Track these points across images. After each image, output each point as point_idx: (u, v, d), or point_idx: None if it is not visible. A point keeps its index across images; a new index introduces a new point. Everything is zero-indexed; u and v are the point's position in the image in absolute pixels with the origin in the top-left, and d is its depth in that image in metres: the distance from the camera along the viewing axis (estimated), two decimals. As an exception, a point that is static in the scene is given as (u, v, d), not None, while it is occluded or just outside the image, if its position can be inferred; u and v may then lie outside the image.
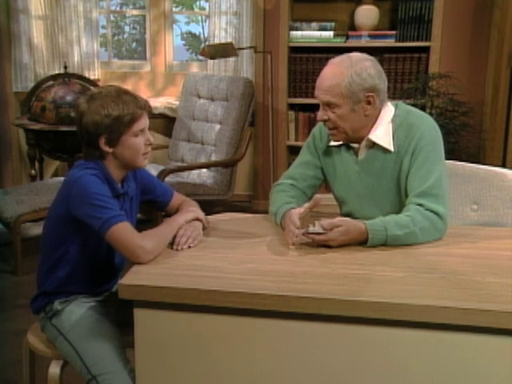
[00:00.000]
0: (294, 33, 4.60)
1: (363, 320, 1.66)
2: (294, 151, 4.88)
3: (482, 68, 4.38)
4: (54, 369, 2.08)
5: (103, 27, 5.40)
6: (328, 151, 2.26)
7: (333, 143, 2.23)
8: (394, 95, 4.32)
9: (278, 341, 1.74)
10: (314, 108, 4.65)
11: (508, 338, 1.61)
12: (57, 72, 4.89)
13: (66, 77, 4.71)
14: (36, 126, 4.44)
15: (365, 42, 4.52)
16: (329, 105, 2.08)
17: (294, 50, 4.67)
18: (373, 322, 1.66)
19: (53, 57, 4.98)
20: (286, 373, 1.76)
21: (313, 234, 1.95)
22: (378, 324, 1.66)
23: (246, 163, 4.86)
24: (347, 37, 4.57)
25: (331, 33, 4.55)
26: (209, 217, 2.22)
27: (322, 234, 1.94)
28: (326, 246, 1.96)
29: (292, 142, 4.80)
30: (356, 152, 2.20)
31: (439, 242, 2.03)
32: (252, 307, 1.70)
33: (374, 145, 2.15)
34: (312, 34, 4.58)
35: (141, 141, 2.01)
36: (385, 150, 2.14)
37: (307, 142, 2.34)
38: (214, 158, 4.34)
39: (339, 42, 4.54)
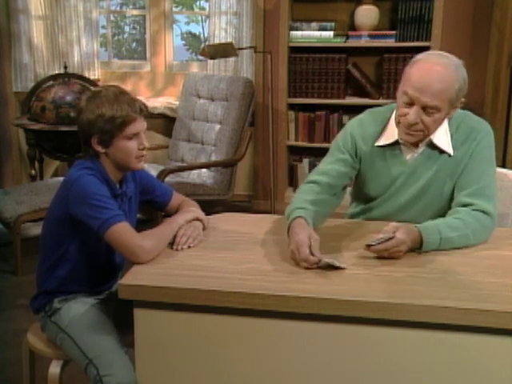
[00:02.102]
0: (293, 33, 4.60)
1: (363, 320, 1.66)
2: (294, 151, 4.89)
3: (482, 68, 4.38)
4: (54, 369, 2.08)
5: (103, 27, 5.39)
6: (371, 152, 2.16)
7: (380, 143, 2.14)
8: (395, 95, 4.31)
9: (278, 341, 1.74)
10: (314, 108, 4.68)
11: (508, 337, 1.61)
12: (57, 72, 4.88)
13: (66, 77, 4.71)
14: (36, 126, 4.43)
15: (365, 42, 4.52)
16: (428, 109, 1.96)
17: (294, 49, 4.66)
18: (372, 322, 1.66)
19: (53, 57, 4.98)
20: (285, 373, 1.76)
21: (382, 243, 1.85)
22: (377, 324, 1.66)
23: (246, 163, 4.86)
24: (347, 37, 4.57)
25: (331, 33, 4.55)
26: (209, 217, 2.22)
27: (390, 238, 1.85)
28: (391, 258, 1.87)
29: (292, 142, 4.79)
30: (405, 152, 2.13)
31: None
32: (251, 307, 1.70)
33: (432, 146, 2.10)
34: (312, 34, 4.58)
35: (134, 144, 2.00)
36: (441, 152, 2.10)
37: (342, 141, 2.20)
38: (213, 158, 4.34)
39: (339, 42, 4.54)
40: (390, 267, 1.84)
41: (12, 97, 4.97)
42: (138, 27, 6.35)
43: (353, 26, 4.60)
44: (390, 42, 4.48)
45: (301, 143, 4.78)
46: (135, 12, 5.71)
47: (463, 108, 2.13)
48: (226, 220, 2.28)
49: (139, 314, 1.79)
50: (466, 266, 1.85)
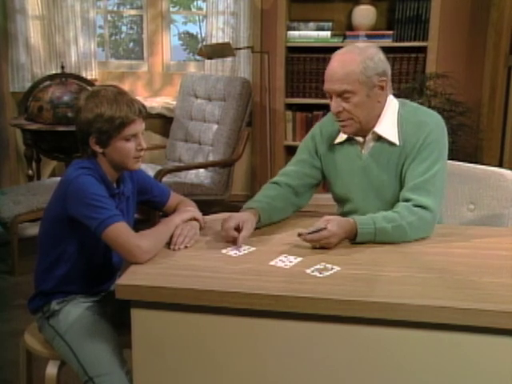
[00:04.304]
0: (291, 33, 4.60)
1: (361, 320, 1.66)
2: (292, 151, 4.86)
3: (479, 68, 4.38)
4: (51, 369, 2.07)
5: (100, 27, 5.39)
6: (330, 150, 2.25)
7: (337, 140, 2.22)
8: (391, 95, 4.32)
9: (275, 341, 1.74)
10: (312, 108, 4.68)
11: (506, 337, 1.61)
12: (54, 72, 4.88)
13: (64, 77, 4.70)
14: (33, 126, 4.43)
15: (362, 42, 4.51)
16: (343, 94, 2.05)
17: (292, 50, 4.66)
18: (370, 322, 1.66)
19: (50, 57, 4.97)
20: (283, 373, 1.76)
21: (313, 233, 1.93)
22: (375, 324, 1.66)
23: (244, 163, 4.86)
24: (345, 37, 4.57)
25: (328, 33, 4.55)
26: (206, 217, 2.22)
27: (322, 229, 1.93)
28: (322, 248, 1.95)
29: (289, 142, 4.79)
30: (360, 147, 2.19)
31: (436, 242, 2.03)
32: (249, 307, 1.70)
33: (379, 138, 2.15)
34: (309, 34, 4.58)
35: (132, 145, 2.00)
36: (391, 144, 2.14)
37: (305, 142, 2.34)
38: (211, 158, 4.34)
39: (337, 41, 4.54)
40: (388, 267, 1.84)
41: (9, 97, 4.96)
42: (136, 27, 6.36)
43: (350, 26, 4.61)
44: (388, 42, 4.48)
45: (298, 143, 4.66)
46: (132, 12, 5.71)
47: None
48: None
49: (136, 314, 1.78)
50: (465, 266, 1.85)
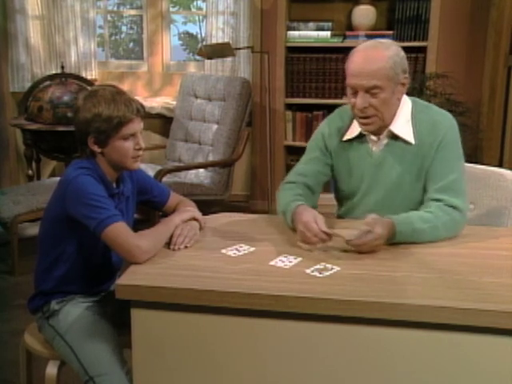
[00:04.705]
0: (291, 33, 4.60)
1: (360, 320, 1.66)
2: (292, 151, 4.88)
3: (479, 68, 4.38)
4: (51, 369, 2.07)
5: (100, 27, 5.39)
6: (340, 147, 2.23)
7: (347, 137, 2.20)
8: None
9: (275, 341, 1.74)
10: (312, 108, 4.68)
11: (506, 337, 1.61)
12: (54, 72, 4.88)
13: (63, 77, 4.70)
14: (33, 126, 4.43)
15: (362, 42, 4.48)
16: (372, 90, 2.03)
17: (292, 50, 4.66)
18: (370, 322, 1.66)
19: (50, 57, 4.97)
20: (283, 373, 1.76)
21: (360, 237, 1.88)
22: (375, 324, 1.66)
23: (244, 163, 4.86)
24: (344, 37, 4.57)
25: (328, 33, 4.55)
26: (206, 217, 2.21)
27: (369, 233, 1.88)
28: (368, 252, 1.90)
29: (289, 142, 4.79)
30: (371, 144, 2.18)
31: (436, 242, 2.03)
32: (249, 307, 1.70)
33: (393, 136, 2.14)
34: (309, 34, 4.57)
35: (130, 145, 2.00)
36: (405, 142, 2.13)
37: (314, 140, 2.30)
38: (211, 158, 4.34)
39: (336, 42, 4.54)
40: (387, 267, 1.84)
41: (9, 97, 4.96)
42: (135, 27, 6.36)
43: (350, 26, 4.60)
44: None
45: (298, 143, 4.77)
46: (132, 12, 5.71)
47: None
48: (223, 220, 2.28)
49: (136, 314, 1.78)
50: (465, 266, 1.85)
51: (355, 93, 2.07)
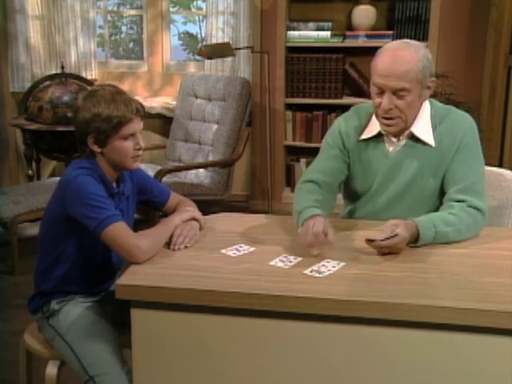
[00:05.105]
0: (291, 33, 4.60)
1: (361, 320, 1.66)
2: (292, 151, 4.89)
3: (479, 68, 4.38)
4: (51, 369, 2.07)
5: (100, 27, 5.39)
6: (356, 146, 2.20)
7: (363, 136, 2.18)
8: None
9: (276, 341, 1.74)
10: (312, 108, 4.68)
11: (506, 337, 1.61)
12: (54, 72, 4.87)
13: (63, 77, 4.70)
14: (33, 126, 4.43)
15: (362, 42, 4.52)
16: (399, 92, 2.01)
17: (292, 50, 4.66)
18: (370, 322, 1.66)
19: (50, 57, 4.97)
20: (283, 373, 1.76)
21: (385, 240, 1.87)
22: (375, 324, 1.66)
23: (244, 163, 4.86)
24: (344, 37, 4.57)
25: (328, 33, 4.55)
26: (206, 217, 2.21)
27: (394, 235, 1.88)
28: (389, 254, 1.90)
29: (289, 142, 4.79)
30: (388, 145, 2.16)
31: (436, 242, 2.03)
32: (249, 307, 1.70)
33: (412, 138, 2.13)
34: (309, 34, 4.58)
35: (130, 144, 2.00)
36: (424, 144, 2.12)
37: (332, 138, 2.25)
38: (211, 158, 4.33)
39: (336, 42, 4.54)
40: (388, 267, 1.84)
41: (9, 97, 4.96)
42: (135, 27, 6.36)
43: (350, 26, 4.60)
44: (388, 42, 4.46)
45: (298, 143, 4.78)
46: (132, 12, 5.71)
47: (447, 102, 2.14)
48: (223, 220, 2.28)
49: (136, 314, 1.78)
50: (465, 266, 1.85)
51: (381, 93, 2.03)
